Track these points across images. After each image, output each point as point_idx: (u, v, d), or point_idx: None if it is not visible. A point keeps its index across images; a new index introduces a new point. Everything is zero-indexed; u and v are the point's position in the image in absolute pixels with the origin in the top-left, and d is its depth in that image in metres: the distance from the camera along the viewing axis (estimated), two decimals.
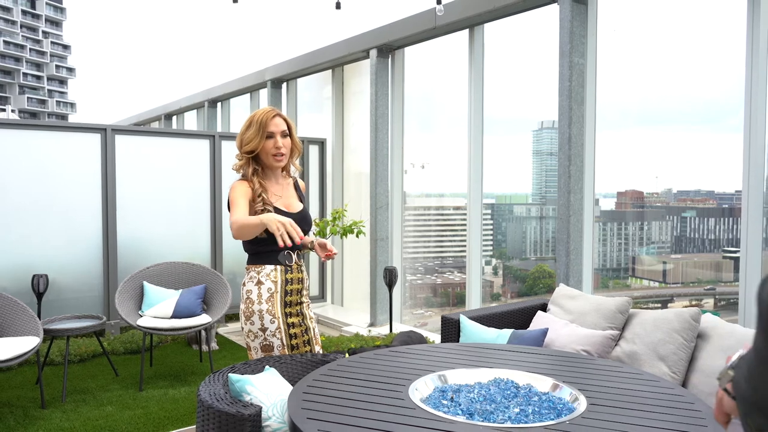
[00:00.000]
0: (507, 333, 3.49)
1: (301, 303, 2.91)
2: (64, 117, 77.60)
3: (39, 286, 5.45)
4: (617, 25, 4.58)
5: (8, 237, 5.43)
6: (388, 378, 2.40)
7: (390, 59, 6.42)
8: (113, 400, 4.30)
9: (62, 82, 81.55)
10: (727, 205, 5.33)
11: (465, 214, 6.05)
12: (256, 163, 2.88)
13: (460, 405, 2.16)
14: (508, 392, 2.29)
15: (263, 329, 2.72)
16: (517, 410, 2.10)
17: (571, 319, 3.65)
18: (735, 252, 5.10)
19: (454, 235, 7.36)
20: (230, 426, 2.09)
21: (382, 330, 6.15)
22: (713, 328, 3.11)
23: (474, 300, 5.74)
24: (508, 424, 1.97)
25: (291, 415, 2.00)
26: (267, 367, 2.55)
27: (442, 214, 7.47)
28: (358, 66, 7.19)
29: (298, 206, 2.96)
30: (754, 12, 3.71)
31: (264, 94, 8.83)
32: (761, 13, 3.67)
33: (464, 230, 6.11)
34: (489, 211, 7.26)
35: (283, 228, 2.39)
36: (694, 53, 4.61)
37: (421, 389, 2.30)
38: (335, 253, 2.87)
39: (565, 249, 4.51)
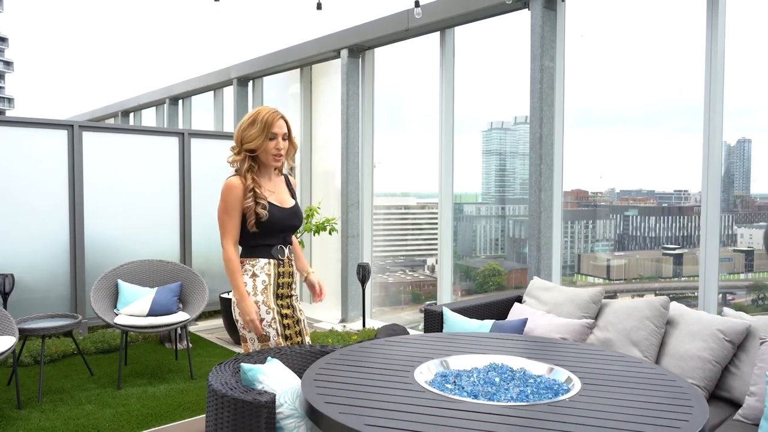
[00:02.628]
0: (488, 323, 3.65)
1: (291, 296, 2.99)
2: (1, 112, 74.26)
3: (5, 286, 5.31)
4: (584, 31, 4.82)
5: None
6: (391, 365, 2.52)
7: (360, 59, 6.53)
8: (92, 399, 4.26)
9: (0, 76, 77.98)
10: (666, 204, 5.59)
11: (430, 213, 6.22)
12: (253, 159, 2.94)
13: (463, 388, 2.29)
14: (506, 375, 2.44)
15: (263, 321, 2.79)
16: (517, 391, 2.25)
17: (547, 309, 3.85)
18: (674, 249, 5.48)
19: (418, 234, 7.51)
20: (246, 413, 2.16)
21: (355, 326, 6.24)
22: (681, 315, 3.35)
23: (445, 295, 5.91)
24: (512, 403, 2.12)
25: (309, 400, 2.09)
26: (269, 358, 2.63)
27: (407, 213, 7.60)
28: (326, 65, 7.27)
29: (290, 202, 3.04)
30: (713, 23, 3.99)
31: (229, 91, 8.78)
32: (719, 24, 3.95)
33: (429, 228, 6.27)
34: (431, 210, 7.43)
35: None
36: (646, 60, 4.89)
37: (424, 374, 2.42)
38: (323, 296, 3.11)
39: (536, 244, 4.72)
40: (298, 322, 2.98)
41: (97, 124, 6.17)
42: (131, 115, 11.99)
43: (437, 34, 5.77)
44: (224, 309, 5.83)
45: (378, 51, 6.54)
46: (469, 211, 7.31)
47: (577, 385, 2.29)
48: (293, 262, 3.03)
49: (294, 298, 3.01)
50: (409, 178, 7.00)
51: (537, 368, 2.52)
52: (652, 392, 2.22)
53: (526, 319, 3.67)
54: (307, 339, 3.03)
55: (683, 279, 5.40)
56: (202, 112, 10.00)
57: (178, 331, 5.40)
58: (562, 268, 6.36)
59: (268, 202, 2.91)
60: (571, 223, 6.49)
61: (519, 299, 4.18)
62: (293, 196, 3.10)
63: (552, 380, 2.38)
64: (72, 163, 5.76)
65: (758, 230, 4.99)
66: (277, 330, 2.85)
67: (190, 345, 5.65)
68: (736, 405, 2.92)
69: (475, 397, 2.20)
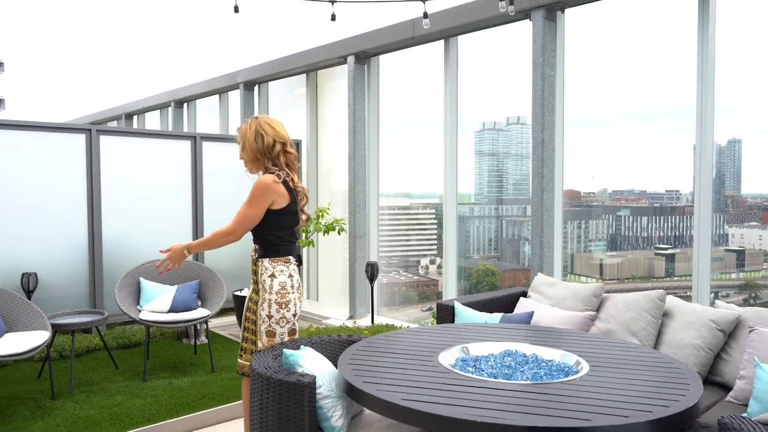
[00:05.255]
0: (497, 316, 3.91)
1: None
2: None
3: (29, 284, 5.53)
4: (581, 40, 5.09)
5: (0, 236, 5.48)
6: (416, 351, 2.78)
7: (366, 65, 6.78)
8: (120, 390, 4.49)
9: None
10: (658, 204, 5.67)
11: (426, 213, 6.44)
12: None
13: (483, 370, 2.55)
14: (520, 360, 2.70)
15: (294, 315, 3.03)
16: (531, 373, 2.51)
17: (551, 303, 4.11)
18: (666, 249, 5.57)
19: (421, 234, 7.70)
20: (291, 393, 2.41)
21: (363, 322, 6.49)
22: (676, 306, 3.62)
23: (450, 292, 6.16)
24: (529, 382, 2.38)
25: (349, 380, 2.35)
26: (302, 346, 2.88)
27: (409, 214, 7.80)
28: (331, 70, 7.51)
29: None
30: (704, 25, 4.27)
31: (235, 95, 9.01)
32: (709, 26, 4.22)
33: (423, 229, 6.48)
34: (433, 211, 7.62)
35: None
36: (637, 62, 5.11)
37: (447, 358, 2.68)
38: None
39: (539, 242, 4.99)
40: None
41: (113, 128, 6.39)
42: (135, 118, 12.18)
43: (441, 41, 6.03)
44: (237, 306, 6.06)
45: (383, 57, 6.79)
46: (462, 211, 7.40)
47: (585, 367, 2.55)
48: (256, 263, 3.09)
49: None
50: (411, 179, 7.22)
51: (548, 353, 2.78)
52: (653, 372, 2.49)
53: (533, 312, 3.93)
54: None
55: (675, 278, 5.45)
56: (206, 116, 10.22)
57: (197, 326, 5.63)
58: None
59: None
60: (564, 224, 6.71)
61: (524, 294, 4.44)
62: None
63: (562, 363, 2.64)
64: (90, 166, 5.98)
65: (749, 230, 5.09)
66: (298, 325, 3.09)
67: (207, 340, 5.88)
68: (727, 388, 3.19)
69: (495, 378, 2.46)
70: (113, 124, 13.06)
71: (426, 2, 4.84)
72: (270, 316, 2.99)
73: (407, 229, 7.83)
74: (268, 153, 3.01)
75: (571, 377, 2.44)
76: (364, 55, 6.67)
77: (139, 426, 3.84)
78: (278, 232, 3.00)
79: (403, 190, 7.50)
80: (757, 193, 4.95)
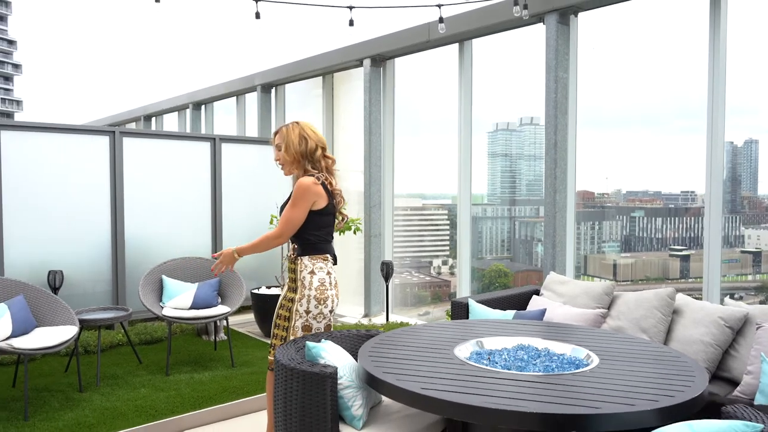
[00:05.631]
0: (510, 313, 4.01)
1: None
2: (9, 115, 74.82)
3: (55, 281, 5.72)
4: (594, 43, 5.18)
5: (24, 235, 5.67)
6: (432, 344, 2.89)
7: (382, 68, 6.91)
8: (144, 383, 4.64)
9: (7, 78, 78.73)
10: (673, 205, 5.66)
11: (443, 214, 6.54)
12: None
13: (497, 363, 2.67)
14: (532, 353, 2.81)
15: (331, 311, 3.16)
16: (544, 365, 2.62)
17: (563, 301, 4.21)
18: (681, 250, 5.57)
19: (434, 235, 7.77)
20: (314, 382, 2.53)
21: (378, 320, 6.62)
22: (686, 304, 3.71)
23: (464, 293, 6.26)
24: (542, 373, 2.49)
25: (370, 371, 2.47)
26: (323, 339, 3.00)
27: (422, 215, 7.88)
28: (346, 72, 7.65)
29: (281, 206, 3.31)
30: (715, 25, 4.34)
31: (252, 97, 9.18)
32: (721, 26, 4.30)
33: (443, 230, 6.57)
34: (446, 212, 7.67)
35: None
36: (651, 64, 5.18)
37: (462, 352, 2.80)
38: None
39: (551, 242, 5.08)
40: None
41: (136, 130, 6.57)
42: (153, 119, 12.41)
43: (456, 45, 6.14)
44: (255, 304, 6.21)
45: (398, 60, 6.92)
46: (475, 212, 7.38)
47: (595, 360, 2.66)
48: (296, 260, 3.20)
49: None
50: (424, 180, 7.32)
51: (559, 348, 2.88)
52: (660, 365, 2.59)
53: (545, 309, 4.03)
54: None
55: (690, 280, 5.43)
56: (222, 117, 10.40)
57: (217, 323, 5.78)
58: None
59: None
60: (577, 224, 6.51)
61: (537, 293, 4.54)
62: (288, 199, 3.24)
63: (574, 357, 2.75)
64: (113, 167, 6.15)
65: (766, 231, 5.07)
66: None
67: (225, 337, 6.03)
68: (735, 383, 3.28)
69: (509, 369, 2.57)
70: (132, 126, 13.30)
71: (441, 7, 4.96)
72: (308, 312, 3.11)
73: (420, 230, 7.93)
74: (310, 156, 3.16)
75: (581, 369, 2.54)
76: (379, 58, 6.80)
77: (164, 417, 3.99)
78: (317, 231, 3.15)
79: (416, 191, 7.61)
80: None
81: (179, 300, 5.19)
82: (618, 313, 3.92)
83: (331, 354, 2.74)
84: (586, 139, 5.76)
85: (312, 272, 3.16)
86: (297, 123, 3.25)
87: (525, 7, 4.81)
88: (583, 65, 5.25)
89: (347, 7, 4.73)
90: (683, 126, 5.32)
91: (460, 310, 4.16)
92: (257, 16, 4.60)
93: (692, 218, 5.61)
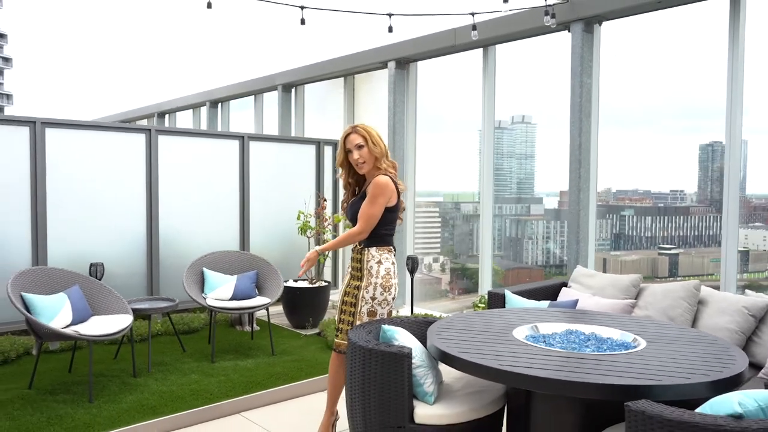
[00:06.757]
0: (545, 303, 4.30)
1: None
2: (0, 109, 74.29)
3: (97, 273, 5.94)
4: (617, 50, 5.48)
5: (66, 228, 5.89)
6: (490, 329, 3.18)
7: (406, 70, 7.18)
8: (194, 370, 4.90)
9: None
10: (662, 204, 5.80)
11: (434, 212, 6.74)
12: (350, 172, 3.60)
13: (553, 345, 2.95)
14: (582, 337, 3.09)
15: (393, 299, 3.45)
16: (596, 347, 2.91)
17: (592, 293, 4.51)
18: (670, 249, 5.71)
19: (425, 232, 7.85)
20: (393, 361, 2.81)
21: (402, 312, 6.89)
22: (710, 295, 4.02)
23: (486, 286, 6.55)
24: (598, 353, 2.77)
25: (444, 350, 2.75)
26: (390, 325, 3.27)
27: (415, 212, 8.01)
28: (368, 73, 7.91)
29: (353, 200, 3.59)
30: (734, 40, 4.65)
31: (272, 97, 9.42)
32: (740, 39, 4.61)
33: (434, 228, 6.76)
34: (437, 209, 7.81)
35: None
36: (646, 65, 5.44)
37: (520, 334, 3.08)
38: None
39: (575, 237, 5.38)
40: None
41: (170, 128, 6.81)
42: (167, 116, 12.61)
43: (480, 50, 6.42)
44: (284, 296, 6.46)
45: (420, 63, 7.19)
46: (466, 210, 7.48)
47: (642, 343, 2.95)
48: (362, 251, 3.48)
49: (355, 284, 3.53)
50: (450, 179, 7.56)
51: (605, 332, 3.17)
52: (702, 346, 2.89)
53: (577, 300, 4.33)
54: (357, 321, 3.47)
55: (679, 278, 5.55)
56: (238, 116, 10.63)
57: (255, 314, 6.05)
58: (557, 267, 6.62)
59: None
60: (568, 223, 6.70)
61: (564, 285, 4.84)
62: (363, 194, 3.49)
63: (622, 340, 3.03)
64: (149, 164, 6.39)
65: (753, 231, 5.22)
66: None
67: (258, 327, 6.29)
68: (758, 367, 3.58)
69: (566, 350, 2.86)
70: (143, 123, 13.48)
71: (474, 16, 5.24)
72: (374, 298, 3.39)
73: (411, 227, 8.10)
74: (387, 156, 3.49)
75: (631, 350, 2.83)
76: (404, 60, 7.07)
77: (219, 400, 4.25)
78: (386, 225, 3.44)
79: (433, 189, 7.83)
80: (762, 194, 5.01)
81: (220, 291, 5.45)
82: (645, 304, 4.22)
83: (403, 336, 3.02)
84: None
85: (379, 262, 3.44)
86: (364, 125, 3.51)
87: (553, 16, 5.10)
88: (605, 70, 5.54)
89: (387, 14, 5.00)
90: (674, 126, 5.53)
91: (496, 301, 4.45)
92: (302, 22, 4.84)
93: (681, 217, 5.75)
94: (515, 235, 6.87)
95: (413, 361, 2.90)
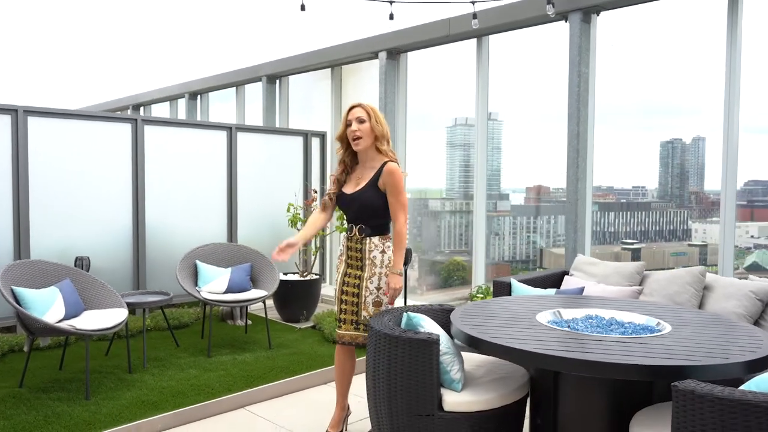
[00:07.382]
0: (551, 291, 4.29)
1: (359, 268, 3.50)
2: None
3: (83, 266, 5.73)
4: (614, 41, 5.51)
5: (49, 221, 5.66)
6: (513, 314, 3.14)
7: (396, 61, 7.11)
8: (190, 365, 4.76)
9: None
10: (625, 200, 5.92)
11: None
12: (349, 152, 3.48)
13: (577, 329, 2.93)
14: (604, 322, 3.08)
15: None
16: (620, 331, 2.89)
17: (597, 280, 4.52)
18: (632, 244, 5.83)
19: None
20: (421, 348, 2.75)
21: (397, 302, 6.83)
22: (716, 280, 4.07)
23: (479, 279, 6.53)
24: (625, 336, 2.76)
25: (471, 334, 2.71)
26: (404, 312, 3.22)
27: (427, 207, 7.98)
28: (357, 64, 7.81)
29: (357, 189, 3.39)
30: (732, 36, 4.71)
31: (252, 88, 9.25)
32: (738, 35, 4.67)
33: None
34: (474, 205, 7.70)
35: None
36: (619, 68, 5.54)
37: (543, 319, 3.05)
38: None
39: (573, 227, 5.40)
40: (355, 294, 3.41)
41: (157, 117, 6.61)
42: (141, 108, 12.28)
43: (474, 40, 6.39)
44: (276, 289, 6.33)
45: (411, 53, 7.12)
46: (433, 206, 7.48)
47: (667, 327, 2.94)
48: (362, 241, 3.39)
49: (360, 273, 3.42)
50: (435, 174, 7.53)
51: (626, 317, 3.16)
52: (726, 329, 2.90)
53: (583, 287, 4.33)
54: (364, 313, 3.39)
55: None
56: (218, 107, 10.40)
57: (248, 308, 5.92)
58: (523, 263, 6.68)
59: (336, 192, 3.46)
60: (533, 218, 6.66)
61: (565, 273, 4.85)
62: (372, 183, 3.35)
63: (646, 324, 3.03)
64: (135, 155, 6.18)
65: (711, 225, 5.32)
66: None
67: (251, 322, 6.16)
68: None
69: (592, 334, 2.84)
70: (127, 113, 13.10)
71: (474, 4, 5.20)
72: (379, 288, 3.33)
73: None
74: (389, 141, 3.41)
75: (658, 333, 2.83)
76: (395, 51, 7.00)
77: (222, 395, 4.13)
78: (387, 213, 3.38)
79: (418, 185, 7.76)
80: (719, 190, 5.04)
81: (215, 284, 5.31)
82: (651, 290, 4.25)
83: (428, 323, 2.96)
84: (539, 133, 5.95)
85: (383, 251, 3.38)
86: (371, 104, 3.42)
87: (553, 5, 5.09)
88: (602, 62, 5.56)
89: (388, 1, 4.92)
90: (635, 124, 5.62)
91: (502, 289, 4.43)
92: (302, 8, 4.74)
93: (643, 213, 5.86)
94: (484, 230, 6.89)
95: (440, 347, 2.85)
